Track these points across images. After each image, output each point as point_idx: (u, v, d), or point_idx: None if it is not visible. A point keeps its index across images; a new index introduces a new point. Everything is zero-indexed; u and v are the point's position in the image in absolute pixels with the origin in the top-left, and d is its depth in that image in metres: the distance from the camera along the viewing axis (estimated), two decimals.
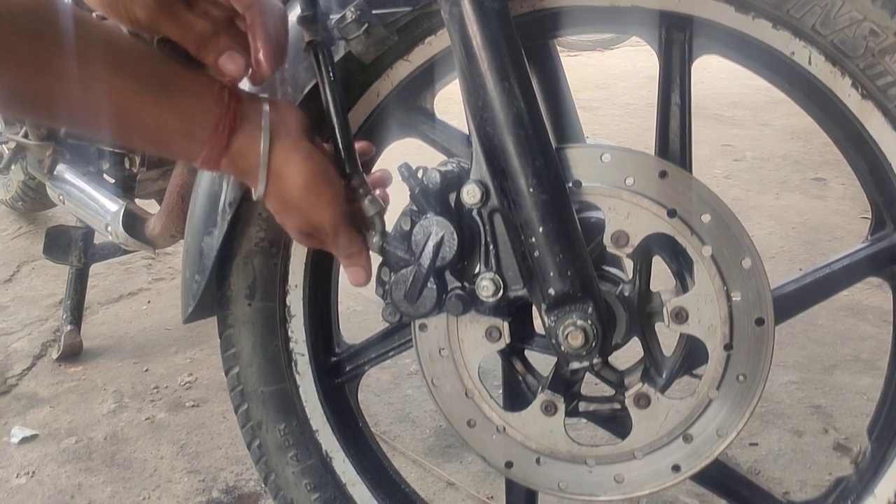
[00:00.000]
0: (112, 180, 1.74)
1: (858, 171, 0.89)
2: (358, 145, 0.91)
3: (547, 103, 1.12)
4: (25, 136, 1.76)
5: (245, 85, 0.87)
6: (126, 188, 1.69)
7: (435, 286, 0.87)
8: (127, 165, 1.67)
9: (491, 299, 0.88)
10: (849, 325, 2.08)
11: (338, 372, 1.14)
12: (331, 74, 0.88)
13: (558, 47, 1.18)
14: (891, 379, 0.95)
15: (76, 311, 2.02)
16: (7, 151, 1.94)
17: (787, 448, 1.61)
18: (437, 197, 0.87)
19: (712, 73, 4.58)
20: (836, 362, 1.91)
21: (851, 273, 0.94)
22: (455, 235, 0.86)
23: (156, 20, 0.80)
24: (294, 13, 0.92)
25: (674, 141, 0.92)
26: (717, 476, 1.00)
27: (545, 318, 0.86)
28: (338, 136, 0.88)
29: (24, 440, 1.71)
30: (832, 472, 1.52)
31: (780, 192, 3.12)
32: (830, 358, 1.93)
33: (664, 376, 0.94)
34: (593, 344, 0.85)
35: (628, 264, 0.94)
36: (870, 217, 0.93)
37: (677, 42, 0.90)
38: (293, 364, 1.11)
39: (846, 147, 0.89)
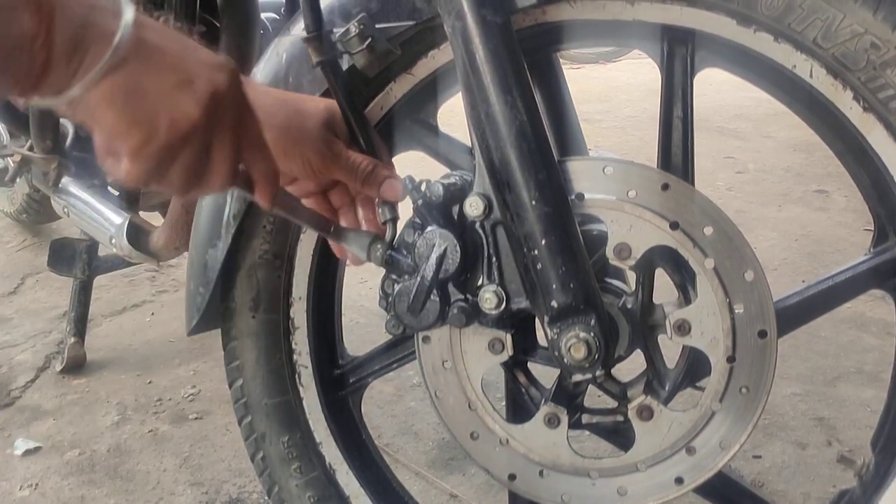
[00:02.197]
0: (116, 193, 1.74)
1: (860, 183, 0.90)
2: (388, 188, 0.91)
3: (550, 116, 1.12)
4: (30, 148, 1.77)
5: None
6: (130, 201, 1.69)
7: (438, 298, 0.87)
8: None
9: (493, 311, 0.88)
10: (852, 336, 2.07)
11: (341, 384, 1.14)
12: (346, 91, 0.89)
13: (561, 60, 1.18)
14: (894, 391, 0.95)
15: (80, 323, 2.03)
16: (12, 164, 1.95)
17: (791, 460, 1.60)
18: (441, 209, 0.87)
19: (714, 86, 4.59)
20: (839, 374, 1.91)
21: (854, 285, 0.94)
22: (458, 248, 0.86)
23: (328, 164, 0.88)
24: (298, 28, 0.93)
25: (676, 153, 0.92)
26: (721, 488, 1.00)
27: (548, 331, 0.86)
28: (363, 146, 0.90)
29: (28, 452, 1.71)
30: (836, 485, 1.51)
31: (782, 204, 3.12)
32: (834, 370, 1.93)
33: (667, 388, 0.94)
34: (596, 356, 0.85)
35: (631, 276, 0.94)
36: (872, 229, 0.93)
37: (679, 55, 0.91)
38: (297, 376, 1.11)
39: (848, 160, 0.89)
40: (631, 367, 0.97)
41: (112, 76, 0.63)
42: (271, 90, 0.90)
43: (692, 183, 0.90)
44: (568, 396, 0.96)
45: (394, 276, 0.90)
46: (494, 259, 0.88)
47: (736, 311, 0.86)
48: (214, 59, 0.69)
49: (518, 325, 0.92)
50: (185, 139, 0.67)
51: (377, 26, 0.89)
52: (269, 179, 0.76)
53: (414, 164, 1.07)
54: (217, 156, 0.70)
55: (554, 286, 0.84)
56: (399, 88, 0.99)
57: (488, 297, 0.88)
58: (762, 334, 0.86)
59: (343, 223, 0.95)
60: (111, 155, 0.66)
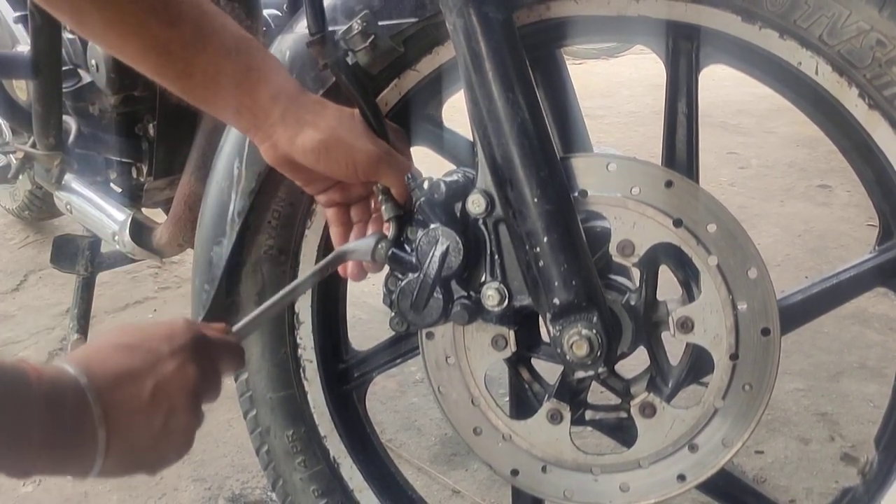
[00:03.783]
0: (119, 189, 1.74)
1: (865, 180, 0.89)
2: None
3: (554, 112, 1.12)
4: (33, 145, 1.76)
5: None
6: (133, 197, 1.69)
7: (441, 295, 0.87)
8: (134, 175, 1.67)
9: (496, 308, 0.88)
10: (855, 332, 2.07)
11: (346, 379, 1.15)
12: (361, 89, 0.89)
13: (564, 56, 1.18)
14: None
15: (83, 319, 2.02)
16: (14, 161, 1.95)
17: (794, 456, 1.61)
18: (443, 207, 0.87)
19: (717, 81, 4.57)
20: (842, 370, 1.91)
21: (858, 283, 0.93)
22: (460, 245, 0.86)
23: (377, 165, 0.87)
24: (301, 26, 0.93)
25: (680, 150, 0.92)
26: (723, 485, 1.00)
27: (550, 328, 0.86)
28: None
29: None
30: (839, 480, 1.52)
31: (785, 199, 3.11)
32: (836, 365, 1.93)
33: (670, 385, 0.94)
34: (598, 353, 0.85)
35: (636, 273, 0.94)
36: (876, 225, 0.93)
37: (684, 51, 0.90)
38: (301, 370, 1.12)
39: (853, 157, 0.89)
40: (634, 363, 0.97)
41: (111, 453, 0.67)
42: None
43: (697, 180, 0.90)
44: (571, 393, 0.96)
45: (397, 274, 0.90)
46: (497, 256, 0.88)
47: (739, 308, 0.86)
48: (172, 355, 0.73)
49: (521, 321, 0.92)
50: (189, 441, 0.75)
51: (380, 23, 0.89)
52: (235, 364, 0.84)
53: (419, 160, 1.07)
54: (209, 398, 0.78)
55: (556, 283, 0.84)
56: (403, 85, 0.99)
57: (491, 295, 0.88)
58: (765, 332, 0.86)
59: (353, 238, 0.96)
60: None
